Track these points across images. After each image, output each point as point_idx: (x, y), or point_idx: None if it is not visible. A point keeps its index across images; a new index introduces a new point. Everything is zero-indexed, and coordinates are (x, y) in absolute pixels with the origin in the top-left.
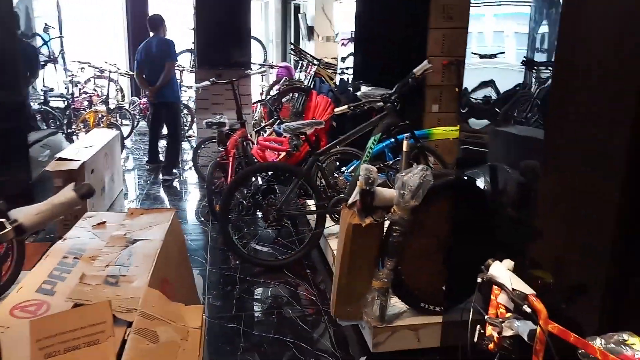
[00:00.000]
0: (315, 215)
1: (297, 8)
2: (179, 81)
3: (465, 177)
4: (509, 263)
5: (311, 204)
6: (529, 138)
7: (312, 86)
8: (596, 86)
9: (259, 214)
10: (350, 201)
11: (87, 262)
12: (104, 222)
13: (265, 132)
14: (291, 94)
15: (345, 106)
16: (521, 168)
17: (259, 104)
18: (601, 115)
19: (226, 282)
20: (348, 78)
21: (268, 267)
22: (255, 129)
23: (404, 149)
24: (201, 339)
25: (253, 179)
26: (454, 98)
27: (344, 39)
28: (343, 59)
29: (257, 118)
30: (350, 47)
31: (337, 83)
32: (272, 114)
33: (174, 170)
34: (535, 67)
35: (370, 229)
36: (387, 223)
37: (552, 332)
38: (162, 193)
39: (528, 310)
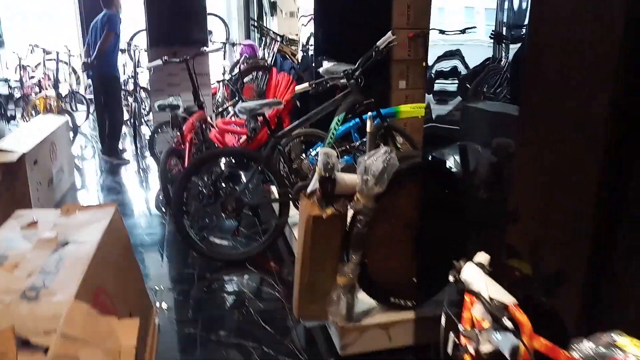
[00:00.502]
0: (278, 204)
1: None
2: (136, 61)
3: (434, 159)
4: (484, 257)
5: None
6: (500, 114)
7: (273, 64)
8: (570, 58)
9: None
10: (309, 190)
11: (8, 272)
12: (36, 222)
13: (227, 114)
14: (254, 73)
15: (306, 84)
16: (493, 146)
17: (221, 84)
18: (577, 88)
19: (183, 280)
20: (311, 54)
21: (229, 262)
22: (216, 112)
23: (368, 129)
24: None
25: (214, 165)
26: (422, 73)
27: (307, 15)
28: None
29: (219, 99)
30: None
31: (300, 60)
32: (234, 95)
33: (124, 156)
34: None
35: (332, 220)
36: (350, 212)
37: (538, 350)
38: (118, 183)
39: (509, 324)
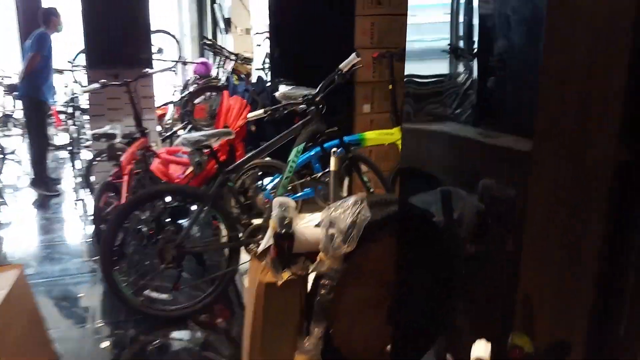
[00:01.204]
0: (228, 249)
1: None
2: (76, 83)
3: (413, 205)
4: (484, 348)
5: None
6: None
7: (226, 85)
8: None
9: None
10: (260, 248)
11: None
12: None
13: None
14: (208, 94)
15: (261, 110)
16: (478, 188)
17: (171, 106)
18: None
19: (112, 343)
20: (266, 75)
21: (168, 319)
22: (163, 137)
23: (332, 167)
24: None
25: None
26: (388, 96)
27: (262, 32)
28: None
29: (169, 122)
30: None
31: (255, 81)
32: (184, 118)
33: (55, 187)
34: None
35: (289, 286)
36: (312, 275)
37: None
38: (48, 220)
39: None
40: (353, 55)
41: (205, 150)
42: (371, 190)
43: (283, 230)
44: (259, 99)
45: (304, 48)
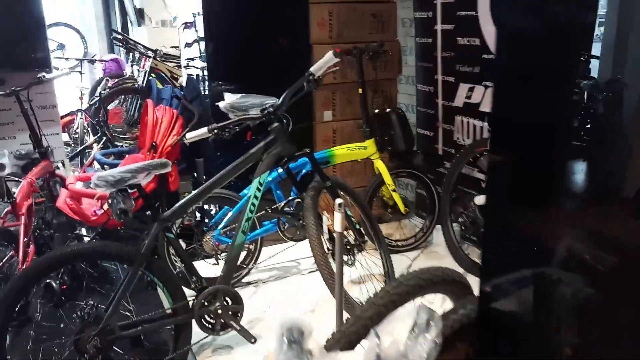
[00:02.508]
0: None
1: None
2: None
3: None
4: None
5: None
6: None
7: (147, 88)
8: None
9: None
10: None
11: None
12: None
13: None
14: (123, 96)
15: (204, 129)
16: None
17: (79, 114)
18: None
19: None
20: (200, 75)
21: None
22: (71, 155)
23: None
24: None
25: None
26: (356, 101)
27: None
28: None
29: (77, 134)
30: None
31: (184, 84)
32: (96, 128)
33: None
34: None
35: None
36: None
37: None
38: None
39: None
40: (329, 55)
41: (132, 191)
42: (363, 236)
43: None
44: (194, 109)
45: (248, 43)
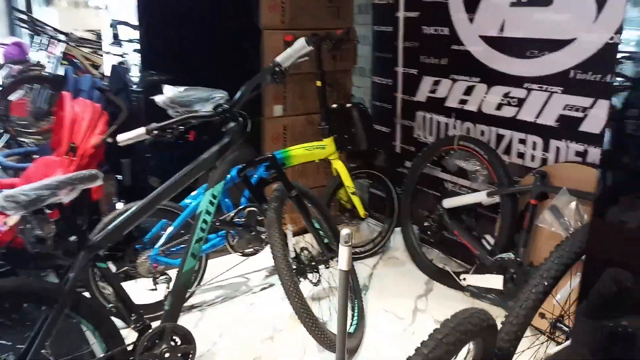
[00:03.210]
0: None
1: None
2: None
3: None
4: None
5: None
6: None
7: (63, 78)
8: None
9: None
10: None
11: None
12: None
13: None
14: (28, 86)
15: (141, 130)
16: None
17: None
18: None
19: None
20: (126, 63)
21: None
22: None
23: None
24: None
25: None
26: (309, 95)
27: None
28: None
29: None
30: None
31: (108, 72)
32: None
33: None
34: None
35: None
36: None
37: None
38: None
39: None
40: (300, 42)
41: (50, 212)
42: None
43: None
44: (122, 103)
45: (188, 27)
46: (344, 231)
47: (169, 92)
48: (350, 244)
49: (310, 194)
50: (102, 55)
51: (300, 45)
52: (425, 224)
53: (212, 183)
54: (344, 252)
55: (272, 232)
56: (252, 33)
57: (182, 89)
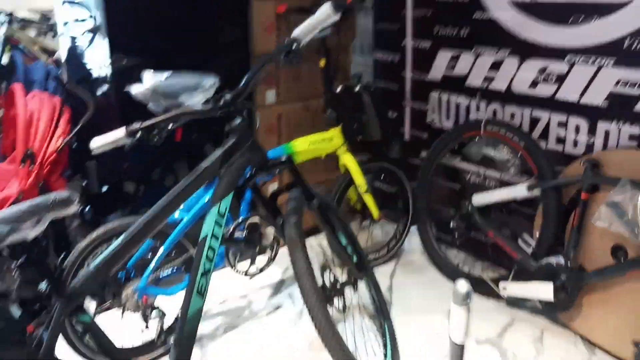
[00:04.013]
0: None
1: None
2: None
3: None
4: None
5: None
6: None
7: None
8: None
9: None
10: None
11: None
12: None
13: None
14: None
15: (120, 132)
16: None
17: None
18: None
19: None
20: (85, 48)
21: None
22: None
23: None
24: None
25: None
26: (303, 76)
27: None
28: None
29: None
30: None
31: (65, 58)
32: None
33: None
34: None
35: None
36: None
37: None
38: None
39: None
40: (326, 8)
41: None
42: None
43: None
44: (86, 96)
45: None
46: (460, 286)
47: (150, 80)
48: (469, 301)
49: (329, 203)
50: (53, 38)
51: (325, 14)
52: (453, 224)
53: (217, 197)
54: (459, 315)
55: (297, 257)
56: (237, 1)
57: (164, 75)
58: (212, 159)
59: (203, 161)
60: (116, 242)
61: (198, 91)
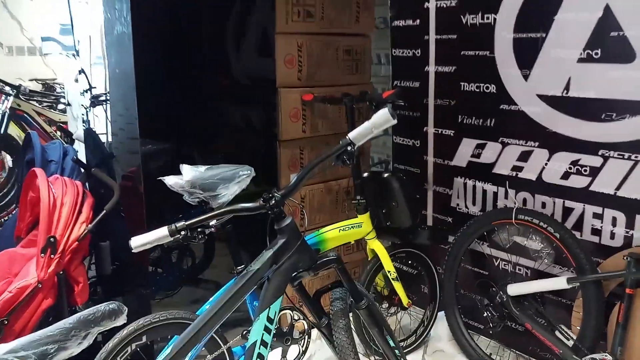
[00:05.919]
0: None
1: None
2: None
3: None
4: None
5: None
6: None
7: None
8: None
9: None
10: None
11: None
12: None
13: None
14: None
15: (163, 230)
16: None
17: None
18: None
19: None
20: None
21: None
22: None
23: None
24: None
25: None
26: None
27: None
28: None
29: None
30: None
31: (82, 135)
32: None
33: None
34: None
35: None
36: None
37: None
38: None
39: None
40: (383, 114)
41: None
42: None
43: None
44: (111, 181)
45: (193, 85)
46: None
47: (189, 173)
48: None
49: (375, 304)
50: (58, 111)
51: (384, 119)
52: (485, 314)
53: (266, 303)
54: None
55: None
56: (264, 92)
57: (203, 168)
58: (262, 260)
59: (253, 262)
60: (166, 353)
61: (234, 182)
